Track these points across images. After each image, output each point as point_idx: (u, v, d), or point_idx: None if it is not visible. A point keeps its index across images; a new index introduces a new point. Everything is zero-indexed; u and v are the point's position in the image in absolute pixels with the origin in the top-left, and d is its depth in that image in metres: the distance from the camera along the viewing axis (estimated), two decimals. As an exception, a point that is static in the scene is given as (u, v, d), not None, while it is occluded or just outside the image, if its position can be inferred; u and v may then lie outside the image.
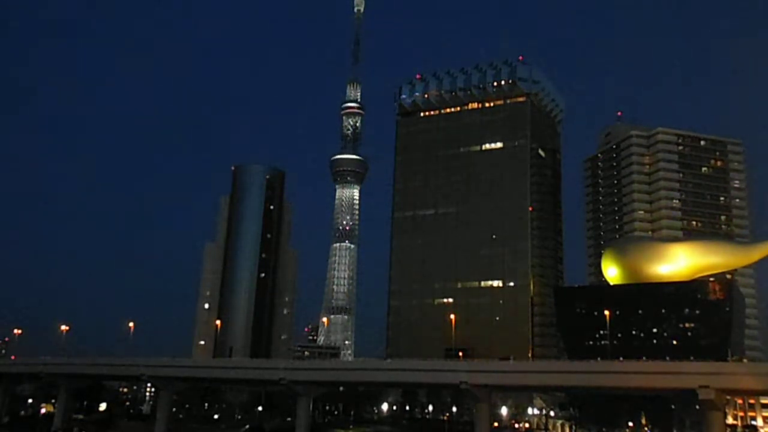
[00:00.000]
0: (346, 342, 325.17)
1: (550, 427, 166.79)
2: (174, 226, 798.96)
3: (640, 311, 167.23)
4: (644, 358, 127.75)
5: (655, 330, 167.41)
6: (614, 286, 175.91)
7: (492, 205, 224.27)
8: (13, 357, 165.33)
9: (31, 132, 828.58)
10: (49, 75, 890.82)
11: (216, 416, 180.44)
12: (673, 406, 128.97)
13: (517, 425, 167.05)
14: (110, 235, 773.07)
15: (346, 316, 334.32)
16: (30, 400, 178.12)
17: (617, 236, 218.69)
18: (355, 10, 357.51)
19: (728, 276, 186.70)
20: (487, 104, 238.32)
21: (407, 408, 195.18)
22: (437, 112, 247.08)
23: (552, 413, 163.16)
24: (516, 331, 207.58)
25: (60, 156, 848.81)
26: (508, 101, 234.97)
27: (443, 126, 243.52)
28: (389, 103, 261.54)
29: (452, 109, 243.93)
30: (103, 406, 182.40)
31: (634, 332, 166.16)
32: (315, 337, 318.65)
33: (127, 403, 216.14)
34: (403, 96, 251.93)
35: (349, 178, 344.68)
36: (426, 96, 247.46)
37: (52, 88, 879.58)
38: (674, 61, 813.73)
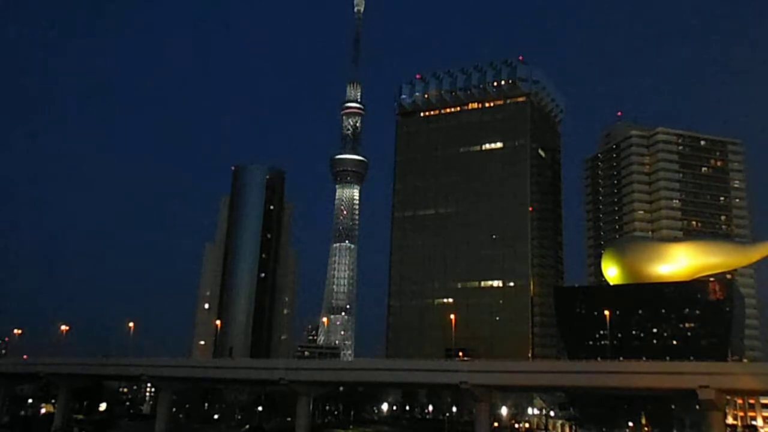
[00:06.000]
0: (346, 342, 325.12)
1: (550, 427, 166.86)
2: (174, 226, 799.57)
3: (640, 311, 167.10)
4: (644, 358, 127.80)
5: (655, 330, 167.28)
6: (614, 286, 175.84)
7: (492, 205, 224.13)
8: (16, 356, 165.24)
9: (30, 135, 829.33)
10: (47, 76, 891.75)
11: (216, 416, 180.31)
12: (673, 406, 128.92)
13: (517, 425, 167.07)
14: (110, 235, 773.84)
15: (346, 316, 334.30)
16: (30, 400, 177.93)
17: (617, 236, 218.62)
18: (355, 10, 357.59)
19: (728, 276, 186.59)
20: (487, 104, 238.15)
21: (407, 408, 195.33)
22: (437, 112, 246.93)
23: (552, 413, 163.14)
24: (516, 331, 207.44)
25: (59, 156, 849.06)
26: (508, 101, 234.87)
27: (443, 126, 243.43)
28: (389, 103, 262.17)
29: (452, 109, 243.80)
30: (103, 406, 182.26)
31: (634, 332, 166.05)
32: (315, 337, 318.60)
33: (127, 403, 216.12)
34: (403, 96, 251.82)
35: (349, 178, 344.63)
36: (426, 96, 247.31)
37: (48, 88, 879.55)
38: (674, 61, 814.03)
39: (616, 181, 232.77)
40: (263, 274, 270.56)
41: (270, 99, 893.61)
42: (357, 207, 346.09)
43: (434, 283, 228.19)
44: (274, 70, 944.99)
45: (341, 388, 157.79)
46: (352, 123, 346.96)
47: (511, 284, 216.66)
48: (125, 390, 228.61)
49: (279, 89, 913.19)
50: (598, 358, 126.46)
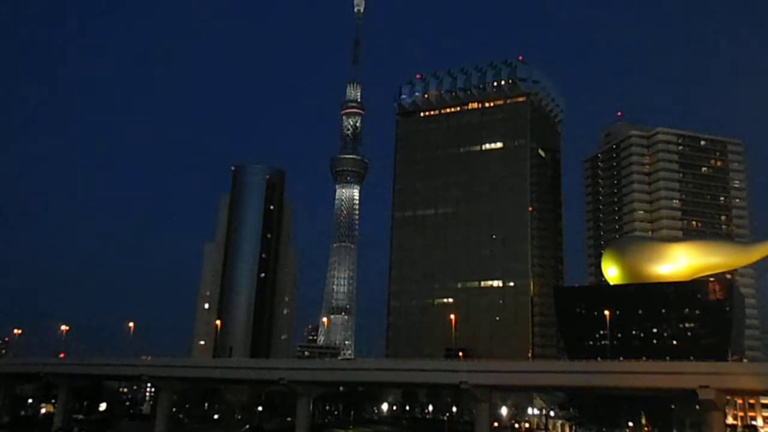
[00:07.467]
0: (346, 342, 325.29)
1: (550, 427, 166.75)
2: (174, 226, 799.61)
3: (640, 311, 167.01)
4: (644, 358, 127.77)
5: (655, 330, 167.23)
6: (614, 286, 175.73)
7: (492, 205, 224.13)
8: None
9: (31, 134, 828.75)
10: (47, 76, 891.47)
11: (216, 416, 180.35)
12: (673, 406, 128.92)
13: (517, 425, 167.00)
14: (110, 235, 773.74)
15: (346, 316, 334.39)
16: (30, 400, 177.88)
17: (617, 236, 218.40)
18: (355, 10, 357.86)
19: (728, 276, 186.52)
20: (487, 104, 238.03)
21: (407, 408, 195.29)
22: (437, 112, 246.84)
23: (552, 413, 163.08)
24: (516, 331, 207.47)
25: (59, 157, 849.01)
26: (508, 101, 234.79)
27: (443, 126, 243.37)
28: (389, 103, 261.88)
29: (452, 109, 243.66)
30: (103, 406, 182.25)
31: (634, 332, 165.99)
32: (315, 337, 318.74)
33: (127, 403, 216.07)
34: (403, 96, 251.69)
35: (349, 178, 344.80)
36: (426, 96, 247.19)
37: (48, 88, 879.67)
38: (674, 62, 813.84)
39: (616, 181, 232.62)
40: (263, 274, 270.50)
41: (270, 99, 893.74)
42: (357, 207, 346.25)
43: (434, 283, 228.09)
44: (275, 70, 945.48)
45: (341, 388, 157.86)
46: (352, 123, 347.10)
47: (511, 284, 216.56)
48: (125, 390, 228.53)
49: (279, 89, 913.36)
50: (598, 358, 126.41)
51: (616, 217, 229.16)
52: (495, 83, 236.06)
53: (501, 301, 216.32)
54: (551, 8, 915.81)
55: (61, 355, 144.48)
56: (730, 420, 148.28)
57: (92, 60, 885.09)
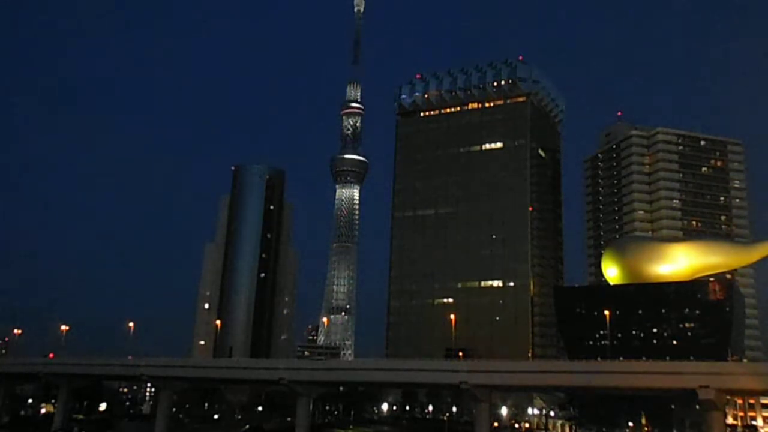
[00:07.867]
0: (346, 342, 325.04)
1: (550, 427, 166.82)
2: (174, 226, 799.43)
3: (640, 311, 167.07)
4: (644, 358, 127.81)
5: (655, 330, 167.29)
6: (614, 286, 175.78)
7: (492, 205, 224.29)
8: None
9: (30, 134, 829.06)
10: (48, 76, 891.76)
11: (216, 416, 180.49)
12: (673, 406, 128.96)
13: (517, 425, 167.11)
14: (110, 235, 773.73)
15: (346, 316, 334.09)
16: (30, 400, 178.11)
17: (617, 236, 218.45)
18: (355, 10, 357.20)
19: (728, 276, 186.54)
20: (487, 104, 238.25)
21: (407, 408, 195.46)
22: (437, 112, 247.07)
23: (552, 413, 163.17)
24: (516, 331, 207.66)
25: (59, 157, 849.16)
26: (508, 101, 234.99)
27: (443, 126, 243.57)
28: (389, 103, 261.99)
29: (452, 109, 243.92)
30: (103, 406, 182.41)
31: (634, 332, 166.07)
32: (315, 337, 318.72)
33: (127, 403, 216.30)
34: (403, 96, 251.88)
35: (349, 178, 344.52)
36: (426, 96, 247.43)
37: (48, 88, 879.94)
38: (675, 61, 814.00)
39: (616, 181, 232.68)
40: (263, 274, 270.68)
41: (270, 99, 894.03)
42: (357, 207, 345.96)
43: (434, 283, 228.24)
44: (274, 69, 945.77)
45: (341, 388, 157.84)
46: (352, 123, 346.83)
47: (511, 284, 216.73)
48: (125, 390, 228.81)
49: (279, 89, 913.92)
50: (598, 358, 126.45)
51: (616, 217, 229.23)
52: (495, 83, 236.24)
53: (501, 301, 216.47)
54: (551, 8, 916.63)
55: (50, 355, 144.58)
56: (730, 420, 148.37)
57: (92, 60, 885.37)
